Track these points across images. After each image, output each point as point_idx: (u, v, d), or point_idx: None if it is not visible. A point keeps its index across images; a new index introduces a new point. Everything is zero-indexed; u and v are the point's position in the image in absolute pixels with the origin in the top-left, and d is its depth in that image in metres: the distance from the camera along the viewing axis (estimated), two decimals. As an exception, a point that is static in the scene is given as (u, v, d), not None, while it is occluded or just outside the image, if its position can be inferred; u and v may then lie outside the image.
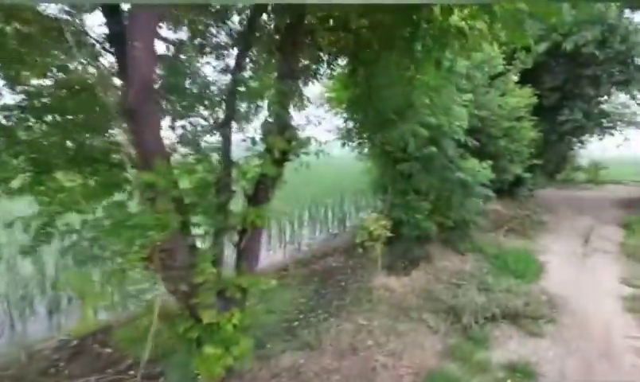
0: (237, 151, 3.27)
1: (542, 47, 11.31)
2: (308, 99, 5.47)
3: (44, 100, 2.59)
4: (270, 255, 8.81)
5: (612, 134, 17.48)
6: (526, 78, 10.75)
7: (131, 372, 3.89)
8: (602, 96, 14.14)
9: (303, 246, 9.59)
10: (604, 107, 15.99)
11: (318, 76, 5.62)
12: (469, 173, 7.14)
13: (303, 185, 17.36)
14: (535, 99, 9.87)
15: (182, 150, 3.27)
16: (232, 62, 3.52)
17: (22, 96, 2.54)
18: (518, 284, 5.71)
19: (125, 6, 2.62)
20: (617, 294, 5.69)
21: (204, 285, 2.94)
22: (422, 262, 7.34)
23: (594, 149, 21.19)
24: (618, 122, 16.83)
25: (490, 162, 7.98)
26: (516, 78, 10.44)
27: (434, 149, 6.85)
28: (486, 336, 4.39)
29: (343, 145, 8.01)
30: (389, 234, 5.95)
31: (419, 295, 5.43)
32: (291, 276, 6.94)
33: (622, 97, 16.41)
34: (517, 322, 4.67)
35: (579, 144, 18.64)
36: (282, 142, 2.85)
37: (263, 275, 4.05)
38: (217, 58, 3.58)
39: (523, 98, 9.38)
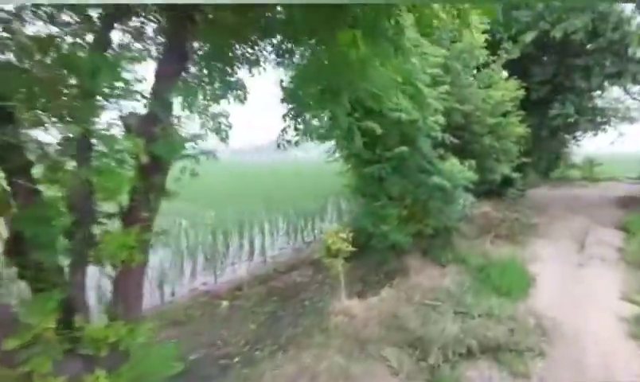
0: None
1: (529, 36, 10.54)
2: (242, 92, 4.66)
3: None
4: (233, 270, 7.92)
5: (605, 131, 16.78)
6: (513, 70, 9.97)
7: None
8: (595, 90, 13.40)
9: (273, 257, 8.69)
10: (597, 102, 15.29)
11: (261, 64, 4.78)
12: (447, 175, 6.30)
13: (278, 190, 16.61)
14: (522, 93, 9.07)
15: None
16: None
17: None
18: (502, 304, 4.86)
19: None
20: (618, 315, 4.85)
21: (36, 346, 2.06)
22: (397, 276, 6.49)
23: (587, 145, 20.50)
24: (612, 118, 16.14)
25: (473, 162, 7.17)
26: (504, 74, 9.67)
27: (405, 148, 6.01)
28: (458, 379, 3.52)
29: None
30: (350, 248, 5.08)
31: (383, 322, 4.56)
32: (246, 297, 6.05)
33: (616, 91, 15.74)
34: (498, 358, 3.81)
35: (572, 140, 17.93)
36: (134, 141, 1.97)
37: (150, 319, 3.14)
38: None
39: (509, 91, 8.58)
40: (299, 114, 5.41)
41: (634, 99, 15.54)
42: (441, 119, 6.68)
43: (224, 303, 5.73)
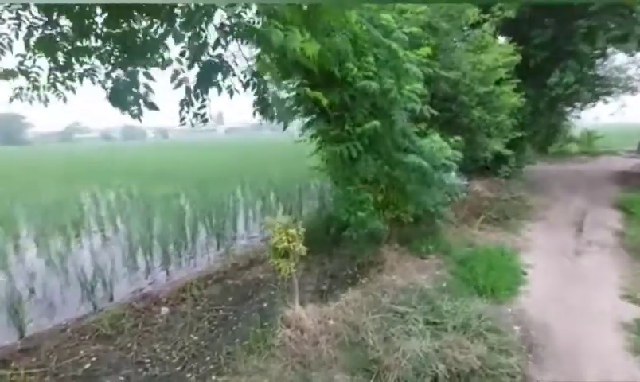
0: None
1: (527, -6, 9.38)
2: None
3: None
4: (193, 264, 7.11)
5: (606, 101, 15.74)
6: (508, 32, 8.88)
7: None
8: (598, 55, 12.29)
9: (243, 247, 7.87)
10: (598, 71, 14.19)
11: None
12: (427, 153, 5.40)
13: (257, 169, 15.60)
14: (518, 58, 8.02)
15: None
16: None
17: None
18: (484, 311, 4.08)
19: None
20: (618, 320, 4.09)
21: None
22: (371, 271, 5.72)
23: (586, 117, 19.50)
24: (614, 88, 15.07)
25: (460, 138, 6.26)
26: (497, 37, 8.58)
27: (376, 122, 5.07)
28: (418, 422, 2.77)
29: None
30: (301, 248, 4.22)
31: (338, 336, 3.78)
32: (195, 299, 5.27)
33: (618, 60, 14.61)
34: (471, 388, 3.05)
35: (572, 112, 16.90)
36: None
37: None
38: None
39: (503, 56, 7.54)
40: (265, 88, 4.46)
41: (640, 67, 14.45)
42: (421, 88, 5.73)
43: (164, 310, 4.95)
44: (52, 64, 3.47)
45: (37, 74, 3.74)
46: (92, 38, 3.50)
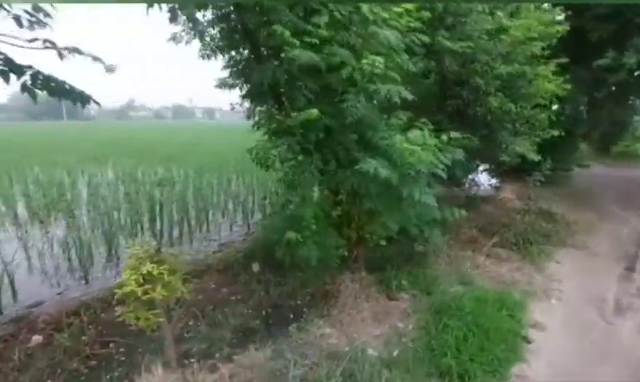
0: None
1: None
2: None
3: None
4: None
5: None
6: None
7: None
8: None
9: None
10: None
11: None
12: (397, 157, 3.76)
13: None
14: (563, 29, 5.87)
15: None
16: None
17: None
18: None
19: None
20: None
21: None
22: (312, 312, 4.29)
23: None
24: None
25: (457, 135, 4.52)
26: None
27: (314, 111, 3.53)
28: None
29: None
30: (178, 287, 2.90)
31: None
32: (81, 326, 4.14)
33: None
34: None
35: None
36: None
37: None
38: None
39: (537, 22, 5.46)
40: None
41: None
42: (405, 62, 4.09)
43: (35, 339, 3.89)
44: None
45: None
46: None
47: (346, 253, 4.55)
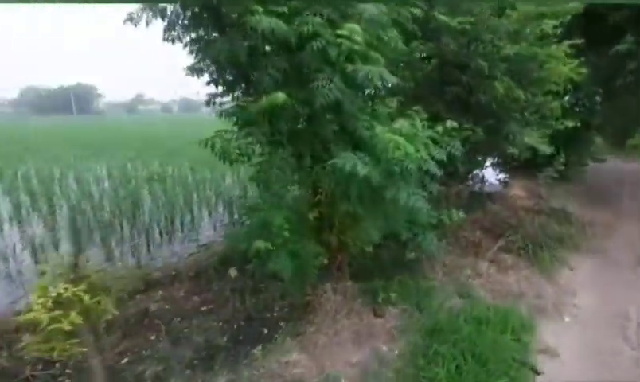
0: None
1: None
2: None
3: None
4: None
5: None
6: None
7: None
8: None
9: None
10: None
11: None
12: (380, 151, 3.15)
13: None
14: (579, 5, 5.14)
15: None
16: None
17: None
18: None
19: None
20: None
21: None
22: (286, 329, 3.75)
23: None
24: None
25: (454, 124, 3.92)
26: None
27: (279, 95, 2.94)
28: None
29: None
30: (106, 309, 2.36)
31: None
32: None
33: None
34: None
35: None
36: None
37: None
38: None
39: (552, -3, 4.77)
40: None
41: None
42: (394, 39, 3.49)
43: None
44: None
45: None
46: None
47: (326, 260, 3.98)
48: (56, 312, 2.19)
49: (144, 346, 3.74)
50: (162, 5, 3.73)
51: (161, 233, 6.83)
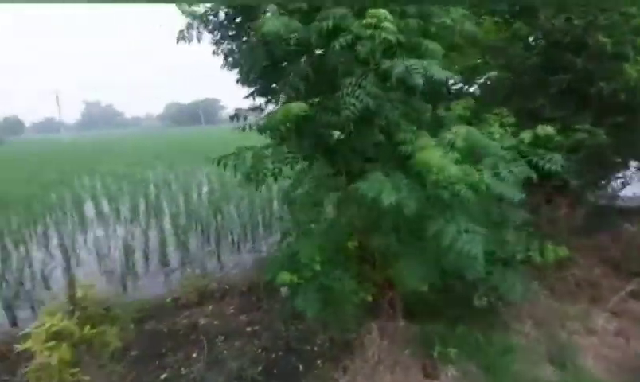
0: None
1: None
2: None
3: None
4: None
5: None
6: None
7: None
8: None
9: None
10: None
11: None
12: (422, 171, 2.41)
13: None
14: None
15: None
16: None
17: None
18: None
19: None
20: None
21: None
22: (319, 373, 3.27)
23: None
24: None
25: (547, 130, 2.91)
26: None
27: (294, 105, 2.47)
28: None
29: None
30: (111, 341, 2.27)
31: None
32: None
33: None
34: None
35: None
36: None
37: None
38: None
39: None
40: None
41: None
42: (449, 21, 2.76)
43: None
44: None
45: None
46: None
47: (371, 297, 3.36)
48: (51, 343, 2.17)
49: (184, 364, 3.73)
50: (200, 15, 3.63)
51: (233, 241, 7.03)
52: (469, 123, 3.00)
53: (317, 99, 2.72)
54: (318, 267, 2.90)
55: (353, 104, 2.32)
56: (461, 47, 4.04)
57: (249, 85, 3.58)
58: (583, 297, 3.81)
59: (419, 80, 2.22)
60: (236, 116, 3.03)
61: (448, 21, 2.75)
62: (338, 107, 2.56)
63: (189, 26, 3.73)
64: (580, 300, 3.76)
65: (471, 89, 5.14)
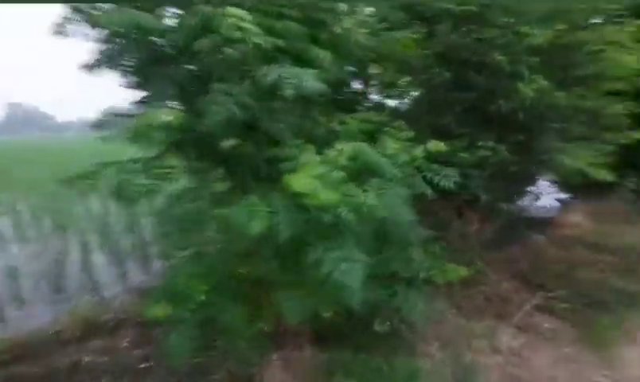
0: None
1: None
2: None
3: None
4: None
5: None
6: None
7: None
8: None
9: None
10: None
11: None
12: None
13: None
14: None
15: None
16: None
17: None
18: None
19: None
20: None
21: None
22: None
23: None
24: None
25: (441, 146, 2.79)
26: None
27: (158, 114, 2.11)
28: None
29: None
30: None
31: None
32: None
33: None
34: None
35: None
36: None
37: None
38: None
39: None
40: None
41: None
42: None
43: None
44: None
45: None
46: None
47: (274, 326, 3.04)
48: None
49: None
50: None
51: (146, 260, 6.36)
52: (371, 138, 2.86)
53: (189, 106, 2.38)
54: (202, 297, 2.53)
55: (217, 113, 2.02)
56: (382, 59, 3.96)
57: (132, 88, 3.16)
58: (491, 313, 3.81)
59: (289, 91, 1.98)
60: (102, 123, 2.59)
61: (339, 30, 2.58)
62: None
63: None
64: (487, 316, 3.75)
65: (392, 103, 5.13)
